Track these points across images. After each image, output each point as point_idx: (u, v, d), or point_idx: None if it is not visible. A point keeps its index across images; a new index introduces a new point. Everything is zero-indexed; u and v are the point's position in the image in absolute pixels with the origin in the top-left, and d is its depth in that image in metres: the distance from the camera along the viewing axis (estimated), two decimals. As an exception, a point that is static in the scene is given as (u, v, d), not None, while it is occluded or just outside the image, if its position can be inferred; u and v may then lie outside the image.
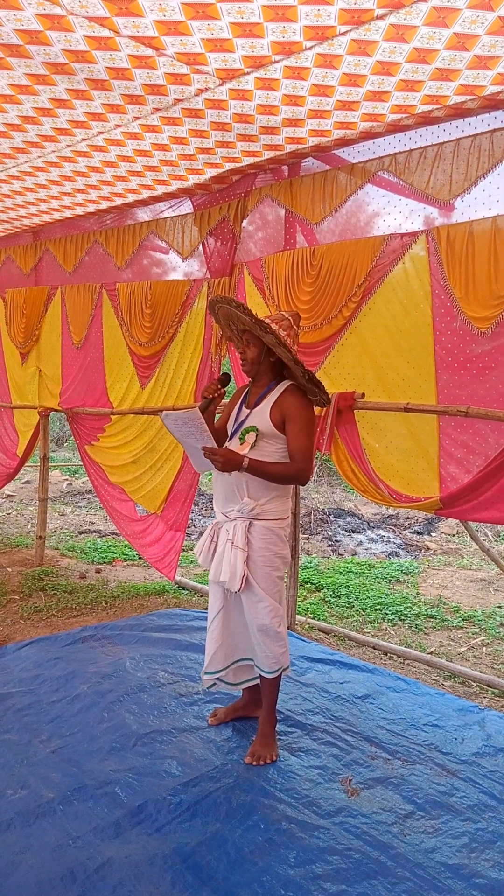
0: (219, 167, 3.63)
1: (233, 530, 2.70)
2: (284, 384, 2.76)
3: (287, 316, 2.80)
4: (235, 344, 3.00)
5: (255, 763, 2.69)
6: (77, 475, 10.76)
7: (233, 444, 2.74)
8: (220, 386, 2.76)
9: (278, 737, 2.89)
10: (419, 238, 3.15)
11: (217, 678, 2.88)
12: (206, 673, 2.86)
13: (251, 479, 2.67)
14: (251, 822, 2.33)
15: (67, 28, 2.25)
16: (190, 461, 2.79)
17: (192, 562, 6.08)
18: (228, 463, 2.55)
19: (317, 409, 3.30)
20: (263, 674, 2.78)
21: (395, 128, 3.05)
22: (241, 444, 2.69)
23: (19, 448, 5.86)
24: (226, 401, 3.01)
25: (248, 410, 2.77)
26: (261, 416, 2.70)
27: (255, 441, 2.67)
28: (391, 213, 3.28)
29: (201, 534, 7.11)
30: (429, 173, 3.08)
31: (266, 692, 2.82)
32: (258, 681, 2.91)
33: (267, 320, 2.65)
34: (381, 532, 7.65)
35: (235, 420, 2.81)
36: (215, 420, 2.88)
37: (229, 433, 2.83)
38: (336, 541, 7.22)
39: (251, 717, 3.04)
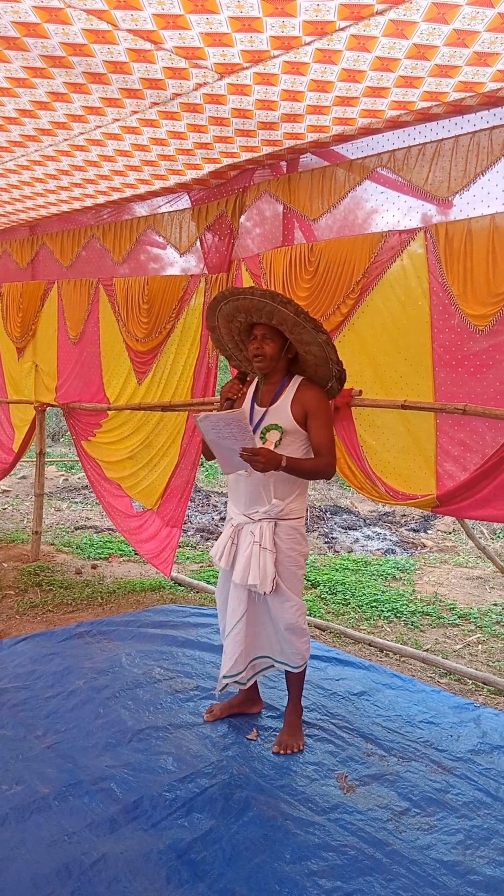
0: (217, 162, 3.62)
1: (259, 532, 2.67)
2: (297, 379, 2.73)
3: None
4: (220, 339, 2.90)
5: (282, 752, 2.73)
6: (73, 471, 10.74)
7: None
8: (241, 385, 2.71)
9: (273, 733, 2.90)
10: (417, 235, 3.14)
11: (235, 680, 2.81)
12: (226, 676, 2.78)
13: (278, 479, 2.63)
14: (246, 819, 2.33)
15: (65, 21, 2.23)
16: (219, 463, 2.66)
17: (188, 558, 6.09)
18: (269, 462, 2.50)
19: None
20: (291, 669, 2.79)
21: (394, 124, 3.04)
22: (264, 443, 2.64)
23: (15, 443, 5.85)
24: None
25: (264, 409, 2.71)
26: (282, 413, 2.66)
27: (280, 439, 2.64)
28: (389, 210, 3.27)
29: (198, 530, 7.16)
30: (427, 170, 3.07)
31: (292, 685, 2.85)
32: (257, 678, 2.92)
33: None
34: (378, 529, 7.66)
35: (249, 420, 2.73)
36: None
37: None
38: (332, 538, 7.23)
39: (246, 714, 3.05)
